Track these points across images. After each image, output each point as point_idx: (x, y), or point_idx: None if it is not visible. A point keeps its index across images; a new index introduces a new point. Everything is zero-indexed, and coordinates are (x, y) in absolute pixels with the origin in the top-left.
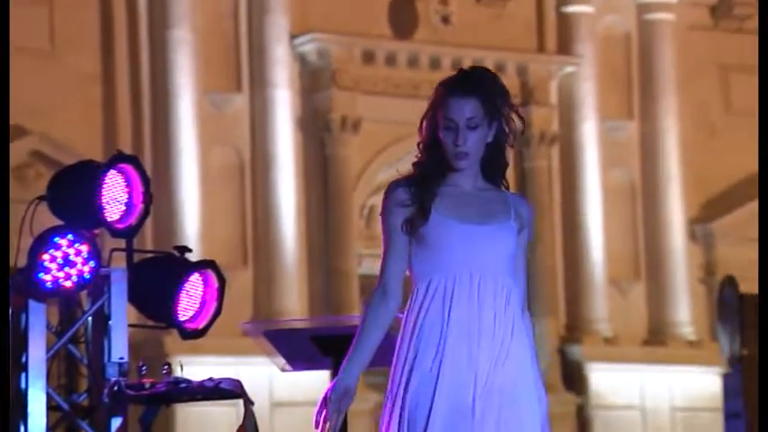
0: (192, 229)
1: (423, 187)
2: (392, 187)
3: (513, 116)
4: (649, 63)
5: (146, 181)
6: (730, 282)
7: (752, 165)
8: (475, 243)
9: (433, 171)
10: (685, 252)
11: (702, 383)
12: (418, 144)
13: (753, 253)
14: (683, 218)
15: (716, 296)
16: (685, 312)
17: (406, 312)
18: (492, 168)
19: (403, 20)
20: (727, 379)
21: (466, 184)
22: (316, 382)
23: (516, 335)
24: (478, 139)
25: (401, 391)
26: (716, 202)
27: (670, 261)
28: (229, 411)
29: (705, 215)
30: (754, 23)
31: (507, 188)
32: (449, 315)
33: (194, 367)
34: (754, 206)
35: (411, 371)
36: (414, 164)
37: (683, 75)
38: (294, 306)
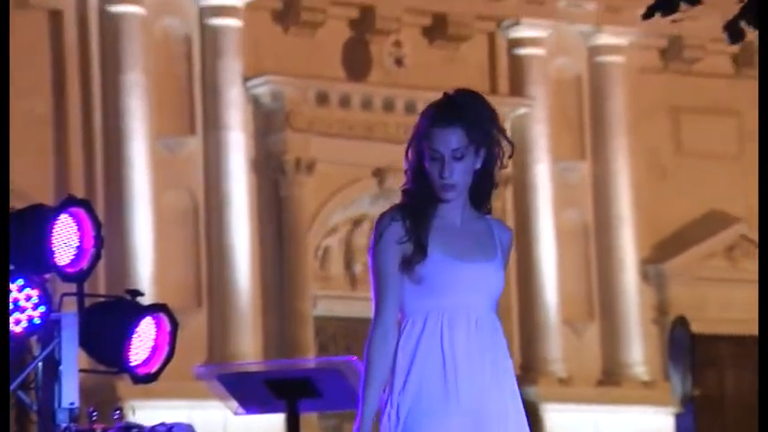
0: (145, 273)
1: (417, 221)
2: (386, 221)
3: (502, 139)
4: (601, 105)
5: (97, 225)
6: (681, 322)
7: (702, 206)
8: (470, 282)
9: (424, 201)
10: (638, 292)
11: (655, 423)
12: (405, 171)
13: (704, 293)
14: (636, 258)
15: (667, 336)
16: (638, 353)
17: (396, 347)
18: (479, 194)
19: (357, 62)
20: (679, 419)
21: (455, 216)
22: (270, 425)
23: (509, 370)
24: (465, 169)
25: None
26: (667, 242)
27: (623, 302)
28: None
29: (657, 256)
30: (703, 66)
31: (490, 211)
32: (452, 354)
33: (147, 411)
34: (704, 246)
35: (410, 408)
36: (403, 191)
37: (634, 117)
38: (249, 348)
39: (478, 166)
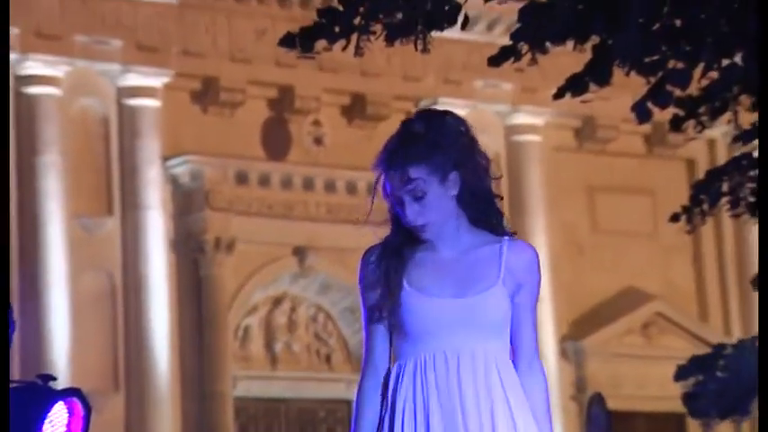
0: (61, 356)
1: (390, 263)
2: (363, 261)
3: (474, 152)
4: (518, 183)
5: (5, 307)
6: (598, 399)
7: (619, 283)
8: (449, 319)
9: (402, 241)
10: (557, 370)
11: None
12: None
13: (621, 369)
14: (554, 335)
15: (585, 413)
16: (557, 430)
17: (384, 391)
18: (479, 217)
19: (276, 141)
20: None
21: (448, 248)
22: None
23: (505, 410)
24: (433, 203)
25: None
26: (585, 319)
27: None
28: None
29: (575, 333)
30: (617, 145)
31: (510, 233)
32: (423, 404)
33: None
34: (621, 323)
35: None
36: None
37: (551, 194)
38: (167, 431)
39: (455, 192)
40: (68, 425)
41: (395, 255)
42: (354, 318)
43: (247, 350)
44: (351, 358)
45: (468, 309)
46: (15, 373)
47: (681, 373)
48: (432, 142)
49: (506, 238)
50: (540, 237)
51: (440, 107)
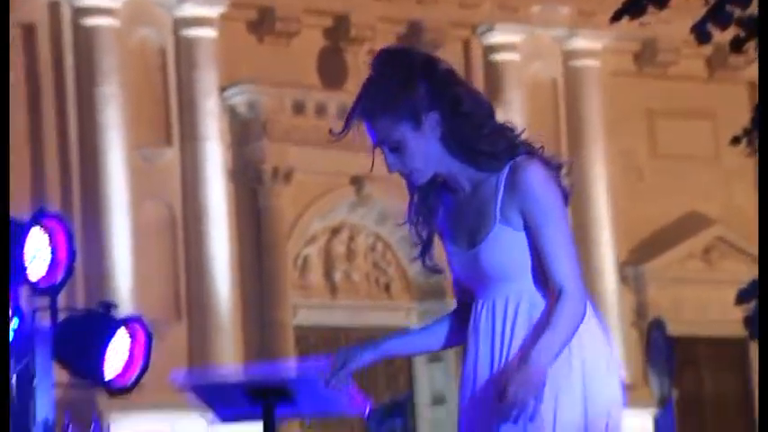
0: (124, 285)
1: (422, 211)
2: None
3: (449, 85)
4: (576, 109)
5: (70, 237)
6: (658, 324)
7: (679, 208)
8: (472, 272)
9: (425, 190)
10: (617, 296)
11: (635, 425)
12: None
13: (682, 294)
14: (614, 261)
15: (645, 338)
16: (619, 356)
17: None
18: (479, 151)
19: (332, 70)
20: (658, 420)
21: (464, 182)
22: None
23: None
24: (412, 150)
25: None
26: (645, 245)
27: (602, 305)
28: None
29: (635, 258)
30: (678, 69)
31: (516, 156)
32: (476, 346)
33: (128, 423)
34: (682, 247)
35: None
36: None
37: (609, 120)
38: (229, 359)
39: (438, 132)
40: (131, 351)
41: (423, 201)
42: (413, 247)
43: (307, 279)
44: (410, 287)
45: (475, 260)
46: (79, 301)
47: (742, 297)
48: (391, 88)
49: (508, 165)
50: (599, 163)
51: (497, 33)
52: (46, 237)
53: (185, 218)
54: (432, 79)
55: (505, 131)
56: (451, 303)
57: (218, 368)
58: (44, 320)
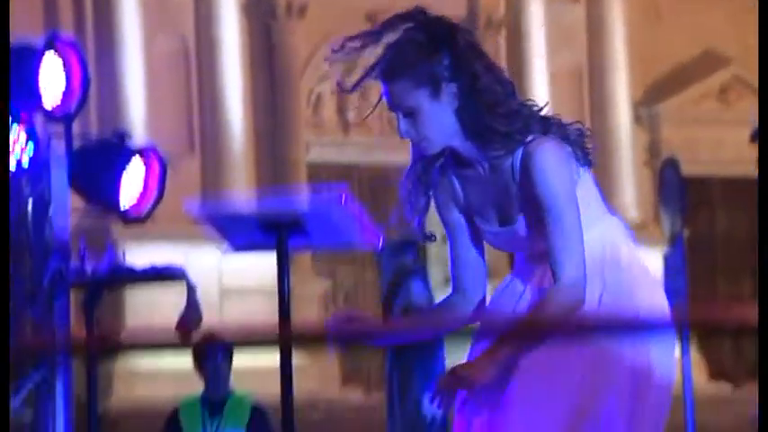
0: (137, 117)
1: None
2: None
3: (473, 60)
4: None
5: (84, 65)
6: (671, 163)
7: (696, 46)
8: (512, 245)
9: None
10: (631, 135)
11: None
12: None
13: (697, 133)
14: (629, 100)
15: (658, 177)
16: (630, 195)
17: None
18: (488, 133)
19: None
20: (668, 258)
21: (479, 158)
22: (265, 269)
23: None
24: (426, 119)
25: None
26: (661, 84)
27: (616, 144)
28: (177, 297)
29: (650, 97)
30: None
31: (530, 137)
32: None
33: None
34: (698, 87)
35: None
36: None
37: None
38: (242, 194)
39: (455, 104)
40: (145, 180)
41: (425, 171)
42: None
43: (320, 116)
44: None
45: (514, 235)
46: (93, 131)
47: (757, 135)
48: (414, 53)
49: (521, 147)
50: (616, 3)
51: None
52: (60, 62)
53: (198, 52)
54: (455, 50)
55: (522, 110)
56: None
57: (230, 201)
58: (59, 147)
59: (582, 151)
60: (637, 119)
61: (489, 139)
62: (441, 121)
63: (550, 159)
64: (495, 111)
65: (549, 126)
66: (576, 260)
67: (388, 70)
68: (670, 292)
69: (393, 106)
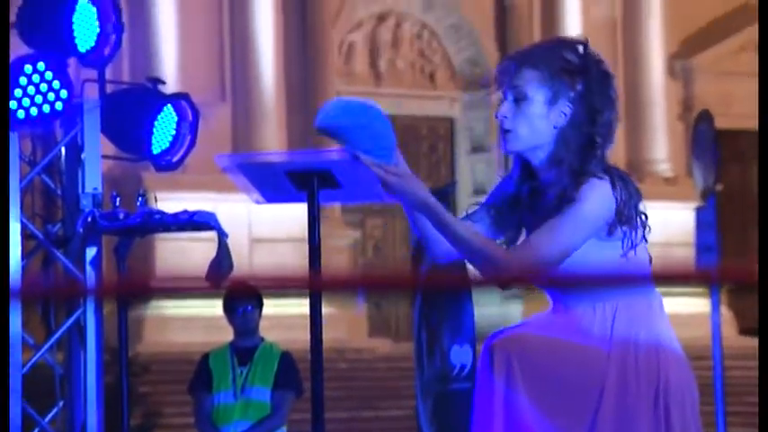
0: (169, 65)
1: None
2: None
3: (598, 92)
4: None
5: (117, 9)
6: (705, 116)
7: (732, 0)
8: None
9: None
10: (664, 89)
11: (677, 218)
12: None
13: (731, 88)
14: (663, 54)
15: (691, 131)
16: (663, 149)
17: None
18: (572, 160)
19: None
20: (700, 213)
21: (549, 184)
22: (295, 219)
23: None
24: (529, 115)
25: None
26: (695, 37)
27: (649, 98)
28: (207, 246)
29: (684, 51)
30: None
31: (586, 179)
32: None
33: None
34: (732, 41)
35: None
36: None
37: None
38: (273, 144)
39: (561, 121)
40: (177, 127)
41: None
42: (459, 36)
43: (351, 66)
44: (454, 76)
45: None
46: (125, 78)
47: None
48: (555, 62)
49: (577, 183)
50: None
51: None
52: (94, 9)
53: (231, 1)
54: (589, 80)
55: (598, 150)
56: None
57: (261, 151)
58: (92, 93)
59: (637, 215)
60: (671, 72)
61: (568, 170)
62: (541, 125)
63: (593, 191)
64: (593, 150)
65: (608, 169)
66: (555, 247)
67: (529, 55)
68: (701, 247)
69: (509, 86)
